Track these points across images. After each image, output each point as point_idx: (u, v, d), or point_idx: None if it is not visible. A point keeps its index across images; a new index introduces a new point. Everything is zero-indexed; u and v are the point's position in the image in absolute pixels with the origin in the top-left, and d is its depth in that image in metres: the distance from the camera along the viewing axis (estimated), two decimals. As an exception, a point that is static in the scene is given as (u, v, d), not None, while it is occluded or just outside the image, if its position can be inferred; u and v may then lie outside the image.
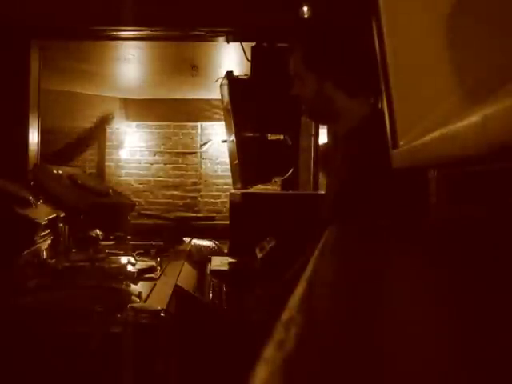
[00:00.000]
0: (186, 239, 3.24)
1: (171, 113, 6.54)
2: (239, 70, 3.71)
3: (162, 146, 6.93)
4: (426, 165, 0.98)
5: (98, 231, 2.81)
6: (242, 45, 3.27)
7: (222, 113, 4.13)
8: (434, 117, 0.68)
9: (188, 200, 6.91)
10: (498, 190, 1.05)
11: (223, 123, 4.16)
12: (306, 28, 1.76)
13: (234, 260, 2.64)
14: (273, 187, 4.92)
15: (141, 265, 2.34)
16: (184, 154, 6.92)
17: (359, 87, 1.59)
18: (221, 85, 3.73)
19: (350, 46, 1.60)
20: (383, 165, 1.50)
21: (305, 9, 2.93)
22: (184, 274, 2.24)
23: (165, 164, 6.93)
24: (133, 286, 1.96)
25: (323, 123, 1.69)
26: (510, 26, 0.57)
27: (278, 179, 3.76)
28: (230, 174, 4.06)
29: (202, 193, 6.93)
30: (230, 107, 3.49)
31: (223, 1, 3.09)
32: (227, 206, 5.43)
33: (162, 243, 3.03)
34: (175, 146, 6.92)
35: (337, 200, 1.57)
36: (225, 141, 4.37)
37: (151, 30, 3.21)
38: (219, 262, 2.60)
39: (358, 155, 1.49)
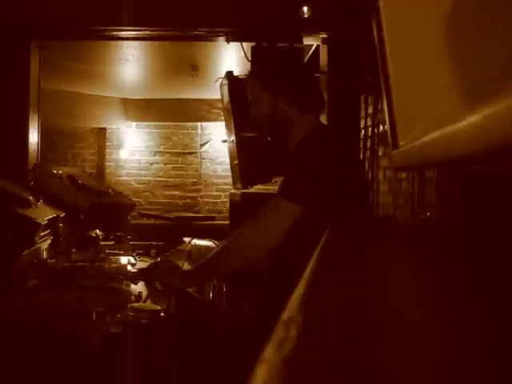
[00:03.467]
0: (186, 239, 3.24)
1: (171, 113, 6.53)
2: (239, 69, 3.71)
3: (162, 146, 6.92)
4: (426, 165, 0.98)
5: (97, 231, 2.81)
6: (242, 45, 3.27)
7: (222, 113, 4.13)
8: (434, 117, 0.68)
9: (188, 200, 6.91)
10: (497, 190, 1.04)
11: (223, 123, 4.16)
12: (261, 56, 1.98)
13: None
14: (273, 187, 4.91)
15: (141, 265, 2.34)
16: (184, 153, 6.92)
17: (308, 104, 1.86)
18: (221, 85, 3.73)
19: (299, 69, 1.94)
20: (331, 169, 1.69)
21: (305, 9, 2.93)
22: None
23: (165, 164, 6.93)
24: (133, 286, 1.96)
25: (278, 138, 1.89)
26: (510, 26, 0.57)
27: (278, 179, 3.76)
28: (230, 173, 4.06)
29: (202, 193, 6.92)
30: (229, 107, 3.49)
31: (223, 1, 3.09)
32: (227, 205, 5.44)
33: (162, 243, 3.03)
34: (175, 146, 6.91)
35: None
36: (225, 141, 4.37)
37: (151, 30, 3.21)
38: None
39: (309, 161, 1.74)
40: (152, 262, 2.14)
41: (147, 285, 1.89)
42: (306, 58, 3.55)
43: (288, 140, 1.88)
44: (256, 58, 3.08)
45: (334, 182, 1.71)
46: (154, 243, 2.99)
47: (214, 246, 2.97)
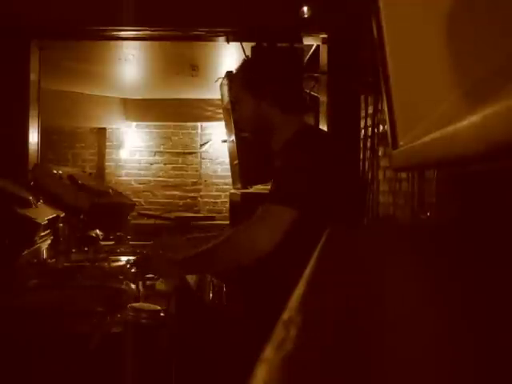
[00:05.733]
0: (186, 239, 3.23)
1: (171, 113, 6.53)
2: (239, 70, 3.71)
3: (162, 146, 6.92)
4: (426, 165, 0.98)
5: (97, 231, 2.81)
6: (241, 45, 3.27)
7: (222, 113, 4.13)
8: (434, 117, 0.68)
9: (188, 200, 6.91)
10: (498, 190, 1.05)
11: (223, 123, 4.16)
12: (244, 59, 2.04)
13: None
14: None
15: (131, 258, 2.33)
16: (184, 153, 6.92)
17: (291, 105, 1.86)
18: (221, 85, 3.73)
19: (282, 71, 1.89)
20: (320, 168, 1.69)
21: (305, 9, 2.93)
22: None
23: (165, 164, 6.92)
24: (133, 286, 1.96)
25: (263, 139, 1.88)
26: (510, 26, 0.58)
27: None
28: (230, 174, 4.06)
29: (202, 193, 6.92)
30: (229, 107, 3.49)
31: (223, 1, 3.09)
32: (227, 205, 5.44)
33: (161, 243, 3.03)
34: (175, 146, 6.91)
35: None
36: (225, 141, 4.37)
37: (151, 30, 3.21)
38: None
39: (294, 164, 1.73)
40: (140, 255, 2.17)
41: (139, 278, 1.91)
42: (306, 58, 3.55)
43: (272, 141, 1.88)
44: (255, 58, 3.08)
45: (324, 181, 1.71)
46: (154, 243, 2.99)
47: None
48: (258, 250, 1.67)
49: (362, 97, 3.15)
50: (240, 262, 1.75)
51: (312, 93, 3.49)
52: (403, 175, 2.51)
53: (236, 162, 3.50)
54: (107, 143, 6.87)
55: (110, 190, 3.71)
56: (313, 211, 1.66)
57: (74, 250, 2.63)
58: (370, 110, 2.98)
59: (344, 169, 1.87)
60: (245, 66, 1.98)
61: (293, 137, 1.80)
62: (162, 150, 6.92)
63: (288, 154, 1.78)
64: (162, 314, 1.56)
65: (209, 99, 6.08)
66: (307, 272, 0.61)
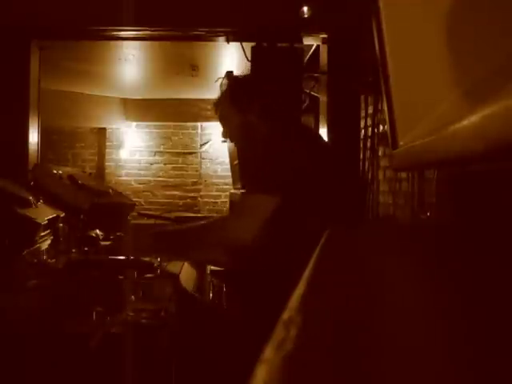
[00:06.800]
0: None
1: (171, 113, 6.53)
2: (239, 70, 3.71)
3: (162, 146, 6.92)
4: (426, 165, 0.98)
5: (97, 231, 2.81)
6: (241, 45, 3.27)
7: (222, 113, 4.12)
8: (434, 117, 0.68)
9: (188, 200, 6.91)
10: (497, 190, 1.05)
11: (223, 123, 4.15)
12: (231, 78, 2.11)
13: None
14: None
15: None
16: (184, 153, 6.92)
17: (278, 114, 1.90)
18: (221, 85, 3.73)
19: (267, 85, 1.98)
20: (308, 173, 1.69)
21: (305, 9, 2.93)
22: (184, 274, 2.23)
23: (165, 164, 6.93)
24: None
25: (250, 150, 1.91)
26: (510, 26, 0.58)
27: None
28: (230, 173, 4.06)
29: (202, 193, 6.93)
30: (229, 107, 3.49)
31: (223, 1, 3.09)
32: (227, 206, 5.45)
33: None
34: (175, 146, 6.91)
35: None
36: (225, 141, 4.37)
37: (151, 30, 3.21)
38: (219, 262, 2.59)
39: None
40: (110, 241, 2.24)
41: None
42: (306, 58, 3.55)
43: (259, 148, 1.90)
44: (256, 58, 3.08)
45: (309, 177, 1.72)
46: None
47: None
48: (240, 239, 1.70)
49: (362, 97, 3.15)
50: (221, 250, 1.80)
51: (312, 93, 3.49)
52: (403, 175, 2.51)
53: (236, 162, 3.50)
54: (107, 143, 6.87)
55: (110, 190, 3.71)
56: (297, 201, 1.67)
57: (73, 250, 2.63)
58: (370, 110, 2.98)
59: (336, 169, 1.88)
60: (231, 83, 2.02)
61: (279, 137, 1.82)
62: (162, 150, 6.92)
63: (271, 148, 1.81)
64: (162, 314, 1.56)
65: (209, 99, 6.06)
66: (307, 272, 0.61)
